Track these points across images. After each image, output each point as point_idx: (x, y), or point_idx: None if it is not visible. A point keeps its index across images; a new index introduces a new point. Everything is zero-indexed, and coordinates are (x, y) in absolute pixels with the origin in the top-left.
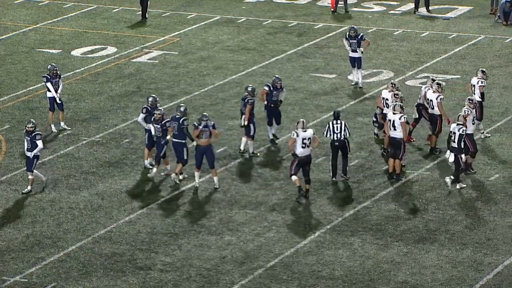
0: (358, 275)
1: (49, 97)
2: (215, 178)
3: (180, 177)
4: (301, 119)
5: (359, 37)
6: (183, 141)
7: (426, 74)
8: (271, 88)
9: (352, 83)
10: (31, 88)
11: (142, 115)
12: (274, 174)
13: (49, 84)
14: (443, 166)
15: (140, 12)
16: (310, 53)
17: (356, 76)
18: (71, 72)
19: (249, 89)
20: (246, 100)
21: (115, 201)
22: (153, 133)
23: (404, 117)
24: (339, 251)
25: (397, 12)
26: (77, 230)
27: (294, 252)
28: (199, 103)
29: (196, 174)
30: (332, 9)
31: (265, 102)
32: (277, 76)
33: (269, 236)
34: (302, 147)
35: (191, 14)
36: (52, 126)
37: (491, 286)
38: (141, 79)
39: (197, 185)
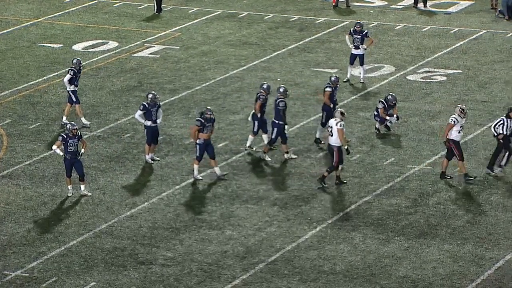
0: (359, 270)
1: (72, 91)
2: (216, 169)
3: (286, 156)
4: (338, 109)
5: (363, 33)
6: (281, 122)
7: (427, 69)
8: (333, 89)
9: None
10: (32, 82)
11: (139, 112)
12: (275, 168)
13: (72, 79)
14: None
15: (155, 5)
16: (312, 47)
17: (350, 72)
18: None
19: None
20: (257, 95)
21: (117, 196)
22: (60, 153)
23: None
24: (340, 246)
25: (398, 6)
26: (78, 225)
27: (295, 247)
28: (200, 98)
29: (195, 167)
30: (333, 4)
31: (331, 105)
32: (336, 76)
33: (270, 230)
34: (329, 135)
35: (193, 9)
36: (82, 119)
37: (492, 280)
38: (142, 74)
39: (200, 178)
